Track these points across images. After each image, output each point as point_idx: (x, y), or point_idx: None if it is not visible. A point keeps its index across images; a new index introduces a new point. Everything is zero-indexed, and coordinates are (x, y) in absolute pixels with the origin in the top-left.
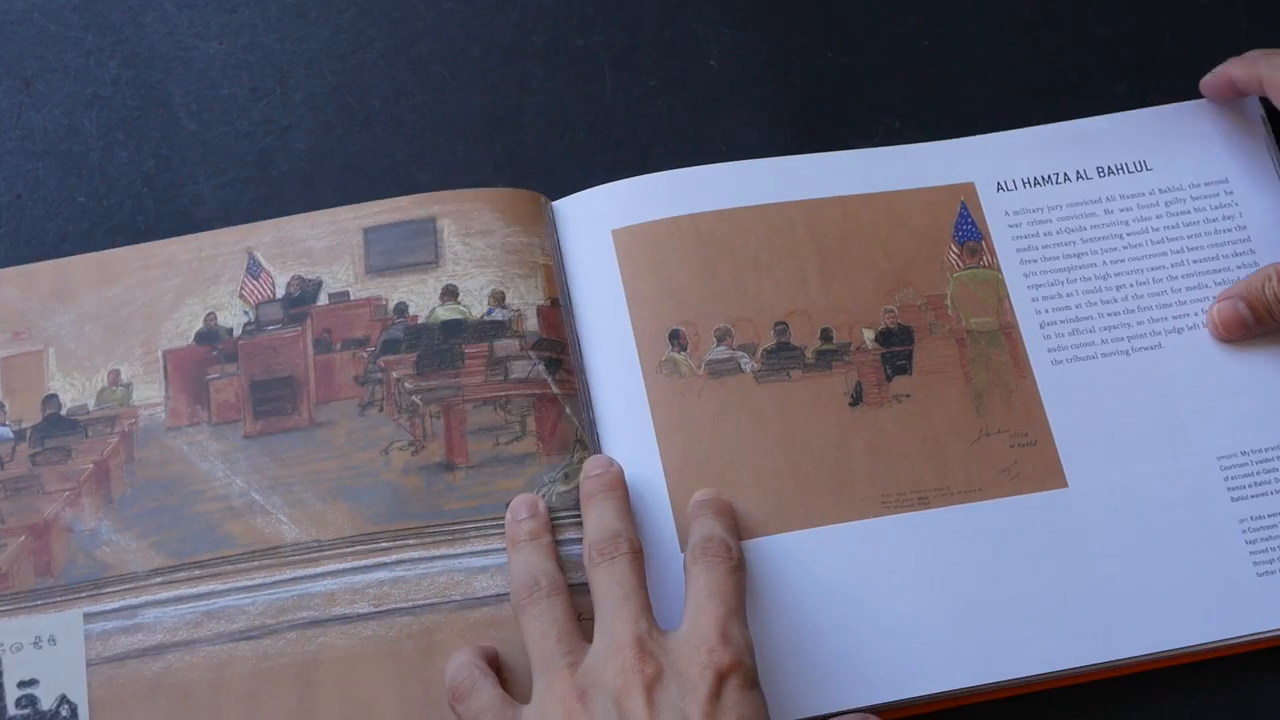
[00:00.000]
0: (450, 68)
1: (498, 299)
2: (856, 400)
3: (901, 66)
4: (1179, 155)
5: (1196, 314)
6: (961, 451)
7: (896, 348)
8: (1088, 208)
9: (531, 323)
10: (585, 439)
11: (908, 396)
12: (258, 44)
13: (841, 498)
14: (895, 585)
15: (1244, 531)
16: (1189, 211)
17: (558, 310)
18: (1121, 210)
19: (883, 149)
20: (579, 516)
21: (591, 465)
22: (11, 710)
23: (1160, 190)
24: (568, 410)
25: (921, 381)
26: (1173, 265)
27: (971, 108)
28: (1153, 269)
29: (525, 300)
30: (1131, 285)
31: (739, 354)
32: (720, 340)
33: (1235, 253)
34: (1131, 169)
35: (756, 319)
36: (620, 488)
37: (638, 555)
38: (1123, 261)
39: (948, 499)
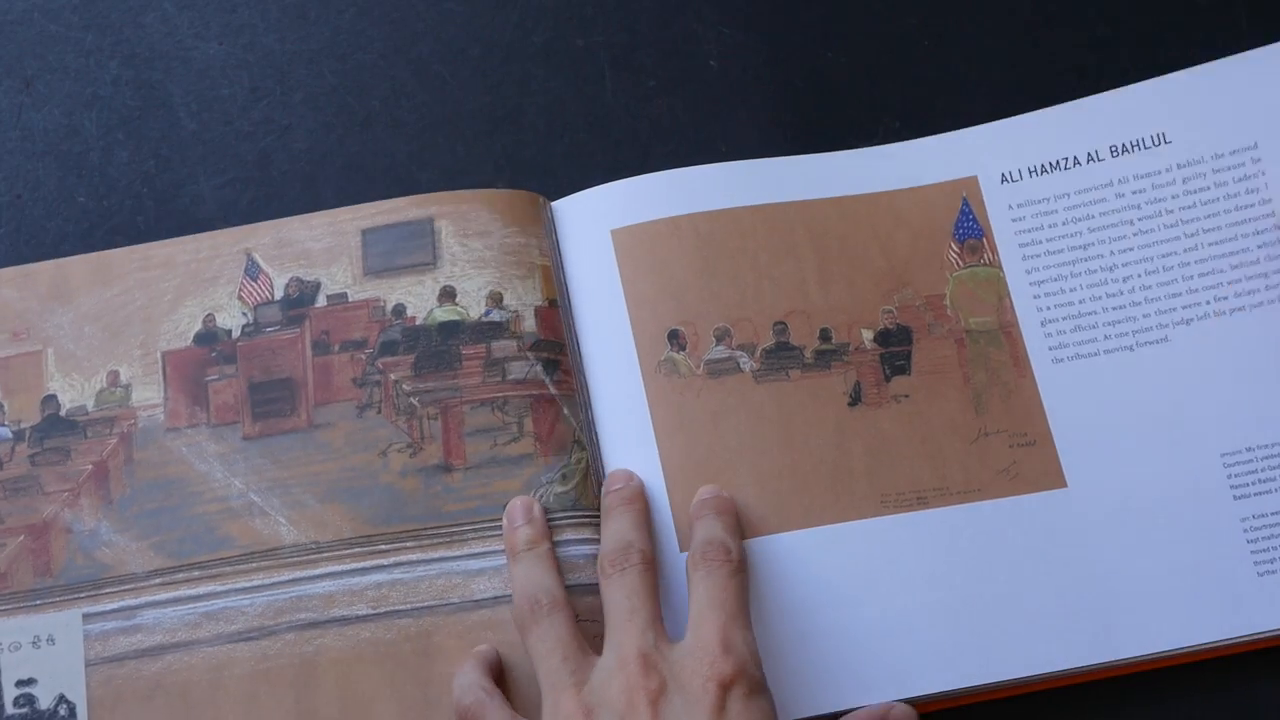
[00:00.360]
0: (450, 68)
1: (495, 300)
2: (855, 400)
3: (901, 66)
4: (1202, 122)
5: (1208, 302)
6: (960, 452)
7: (895, 348)
8: (1097, 193)
9: (529, 323)
10: (583, 440)
11: (906, 397)
12: (258, 44)
13: (840, 497)
14: (894, 585)
15: (1245, 530)
16: (1208, 188)
17: (555, 311)
18: (1134, 193)
19: (884, 146)
20: (577, 517)
21: (612, 479)
22: (10, 709)
23: (1179, 165)
24: (565, 411)
25: (920, 382)
26: (1185, 251)
27: (971, 108)
28: (1163, 255)
29: (523, 301)
30: (1139, 275)
31: (738, 354)
32: (719, 340)
33: (1256, 230)
34: (1149, 144)
35: (755, 319)
36: (639, 500)
37: (649, 565)
38: (1131, 250)
39: (947, 499)
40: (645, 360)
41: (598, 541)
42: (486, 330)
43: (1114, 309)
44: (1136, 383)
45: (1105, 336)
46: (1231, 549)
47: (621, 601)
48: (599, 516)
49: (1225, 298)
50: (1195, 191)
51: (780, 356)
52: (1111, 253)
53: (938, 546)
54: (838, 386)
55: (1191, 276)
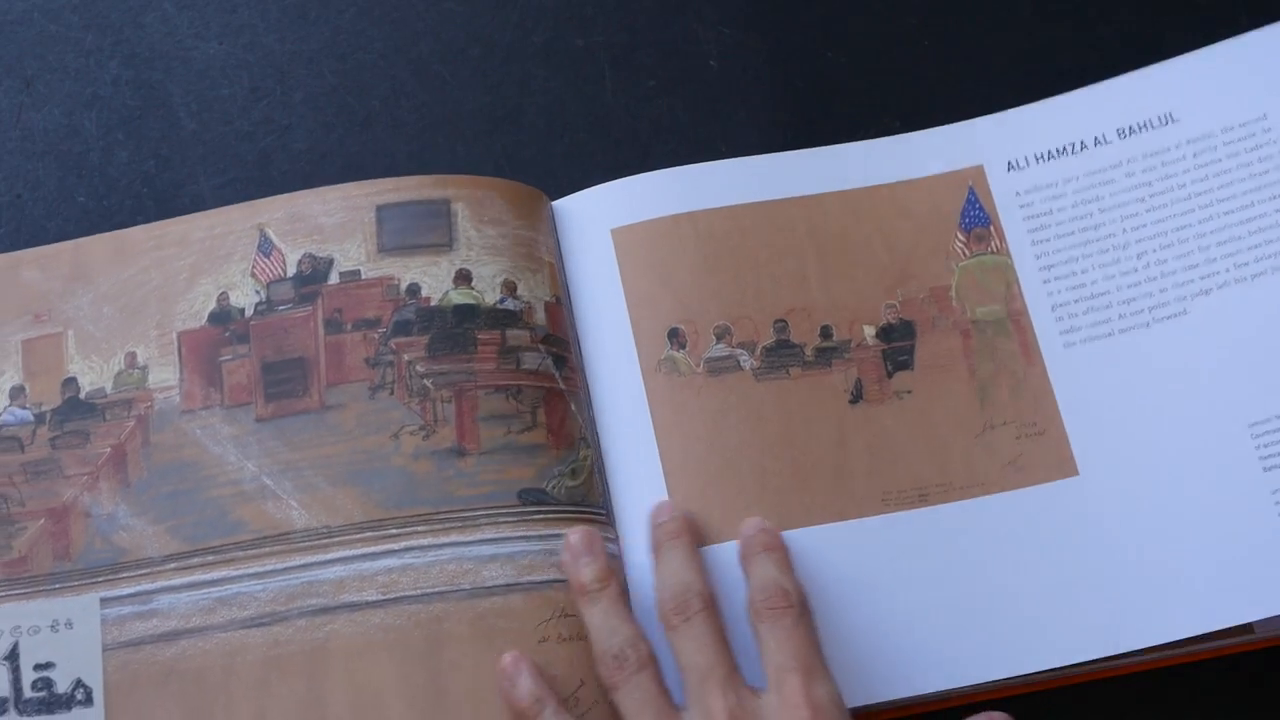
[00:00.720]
0: (450, 68)
1: (510, 289)
2: (857, 398)
3: (901, 66)
4: (1209, 100)
5: (1227, 270)
6: (965, 446)
7: (898, 343)
8: (1106, 174)
9: (541, 316)
10: (588, 437)
11: (909, 393)
12: (258, 44)
13: (840, 496)
14: (895, 584)
15: (1278, 504)
16: (1220, 160)
17: (561, 309)
18: (1144, 171)
19: (887, 138)
20: (586, 513)
21: (657, 513)
22: (28, 693)
23: (1188, 141)
24: (573, 407)
25: (924, 377)
26: (1200, 222)
27: (972, 107)
28: (1178, 229)
29: (534, 294)
30: (1154, 250)
31: (738, 352)
32: (719, 338)
33: (1272, 195)
34: (1155, 124)
35: (756, 316)
36: (686, 534)
37: (710, 607)
38: (1144, 227)
39: (949, 495)
40: (645, 359)
41: (604, 539)
42: (501, 317)
43: (1128, 287)
44: (1153, 360)
45: (1120, 316)
46: (1263, 524)
47: (695, 658)
48: (604, 515)
49: (1245, 264)
50: (1207, 164)
51: (780, 354)
52: (1124, 230)
53: (939, 544)
54: (839, 384)
55: (1209, 247)
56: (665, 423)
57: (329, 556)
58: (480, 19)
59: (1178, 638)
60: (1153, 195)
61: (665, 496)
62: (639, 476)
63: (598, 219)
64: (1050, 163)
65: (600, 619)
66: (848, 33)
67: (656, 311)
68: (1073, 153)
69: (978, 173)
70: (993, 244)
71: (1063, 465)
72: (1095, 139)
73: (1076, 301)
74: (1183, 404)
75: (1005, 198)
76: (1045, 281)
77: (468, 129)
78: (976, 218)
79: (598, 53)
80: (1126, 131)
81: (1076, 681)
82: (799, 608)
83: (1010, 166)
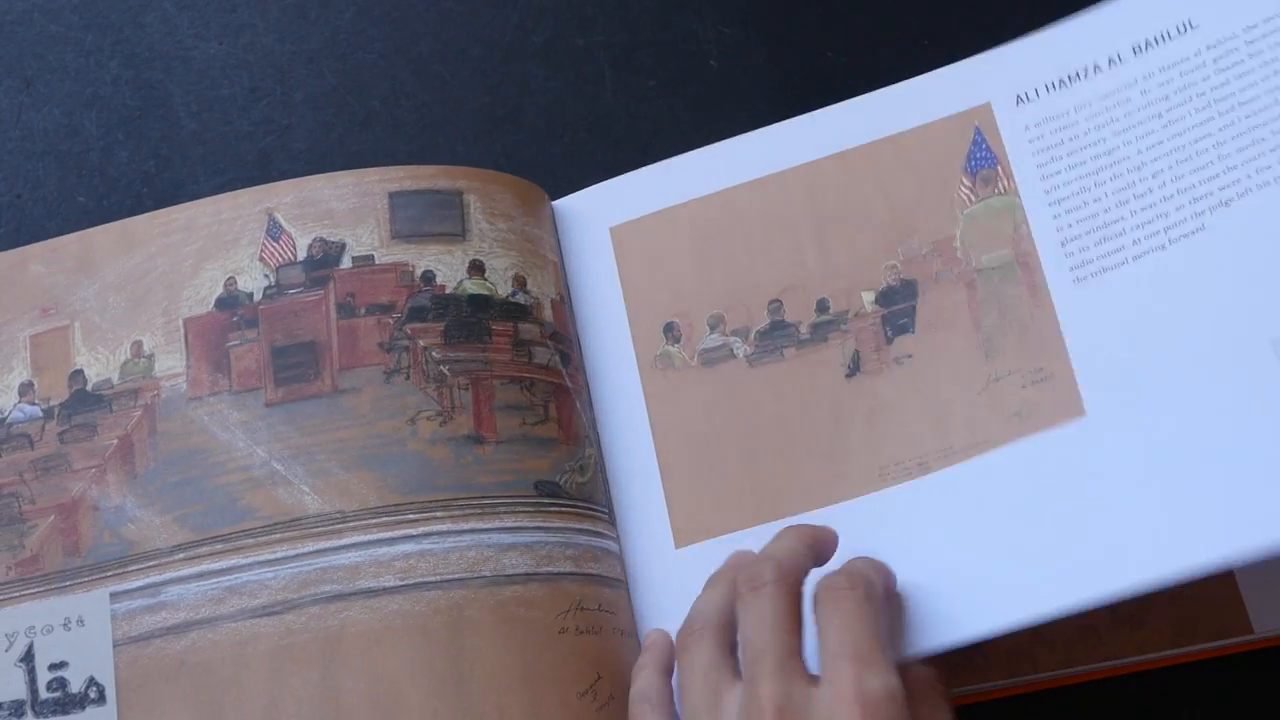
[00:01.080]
0: (450, 68)
1: (520, 283)
2: (854, 370)
3: (901, 67)
4: (1229, 1)
5: (1249, 176)
6: (967, 404)
7: (898, 306)
8: (1121, 95)
9: (548, 313)
10: (591, 436)
11: (909, 357)
12: (258, 44)
13: (834, 477)
14: (896, 563)
15: None
16: (1242, 61)
17: (564, 307)
18: (1161, 85)
19: (887, 89)
20: (590, 509)
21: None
22: (43, 694)
23: (1208, 47)
24: (578, 404)
25: (925, 338)
26: (1220, 130)
27: None
28: (1196, 140)
29: (542, 291)
30: (1170, 167)
31: (731, 339)
32: (713, 328)
33: None
34: (1174, 34)
35: (750, 301)
36: (817, 530)
37: (785, 582)
38: (1160, 144)
39: (950, 459)
40: (642, 356)
41: (604, 536)
42: (513, 310)
43: (1142, 209)
44: (1169, 284)
45: (1134, 242)
46: None
47: (752, 636)
48: (606, 513)
49: (1269, 166)
50: (1228, 68)
51: (774, 337)
52: (1139, 151)
53: (935, 514)
54: (835, 359)
55: (1229, 154)
56: (661, 420)
57: (344, 542)
58: (480, 19)
59: (1197, 572)
60: (1170, 109)
61: (661, 494)
62: (637, 475)
63: (597, 218)
64: (1062, 90)
65: (702, 597)
66: (848, 33)
67: (652, 307)
68: (1085, 76)
69: (985, 111)
70: (1000, 184)
71: (1069, 407)
72: (1109, 59)
73: (1088, 234)
74: (1200, 325)
75: (1014, 134)
76: (1055, 216)
77: (468, 129)
78: (983, 159)
79: (598, 53)
80: (1142, 46)
81: (1077, 681)
82: (863, 590)
83: (1019, 100)
